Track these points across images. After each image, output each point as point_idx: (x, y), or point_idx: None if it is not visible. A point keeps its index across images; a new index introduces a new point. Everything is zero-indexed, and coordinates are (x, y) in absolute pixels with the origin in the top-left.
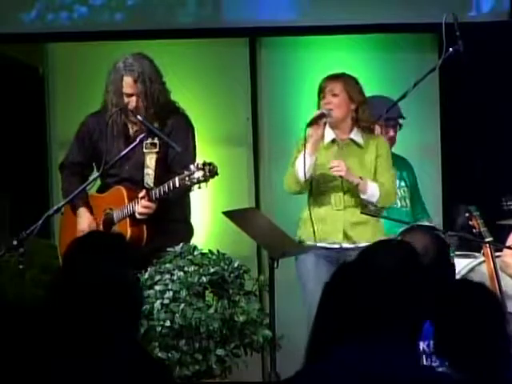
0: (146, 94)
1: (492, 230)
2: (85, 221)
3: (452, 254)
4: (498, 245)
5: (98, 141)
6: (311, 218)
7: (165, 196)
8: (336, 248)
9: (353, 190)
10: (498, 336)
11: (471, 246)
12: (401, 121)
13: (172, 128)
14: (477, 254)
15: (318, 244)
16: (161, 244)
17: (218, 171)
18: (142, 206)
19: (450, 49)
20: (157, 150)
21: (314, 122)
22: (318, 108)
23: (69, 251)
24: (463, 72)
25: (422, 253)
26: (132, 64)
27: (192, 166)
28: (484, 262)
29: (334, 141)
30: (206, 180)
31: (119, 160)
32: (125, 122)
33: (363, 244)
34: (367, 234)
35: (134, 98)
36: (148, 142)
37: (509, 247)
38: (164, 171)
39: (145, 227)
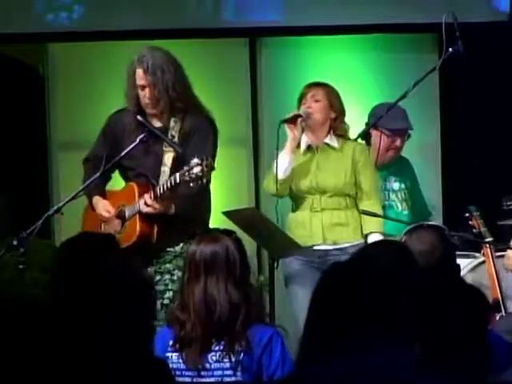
0: (158, 84)
1: (492, 230)
2: (100, 206)
3: None
4: (498, 245)
5: (120, 138)
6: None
7: (174, 193)
8: (318, 251)
9: (330, 192)
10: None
11: (471, 246)
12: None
13: (191, 128)
14: (477, 254)
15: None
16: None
17: (215, 166)
18: (144, 204)
19: (450, 49)
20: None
21: (289, 122)
22: None
23: (57, 253)
24: (463, 72)
25: (429, 251)
26: (144, 55)
27: (192, 162)
28: (484, 262)
29: (309, 147)
30: (203, 175)
31: (139, 155)
32: (146, 119)
33: (343, 245)
34: (346, 235)
35: (147, 90)
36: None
37: (509, 247)
38: (178, 170)
39: (156, 225)
